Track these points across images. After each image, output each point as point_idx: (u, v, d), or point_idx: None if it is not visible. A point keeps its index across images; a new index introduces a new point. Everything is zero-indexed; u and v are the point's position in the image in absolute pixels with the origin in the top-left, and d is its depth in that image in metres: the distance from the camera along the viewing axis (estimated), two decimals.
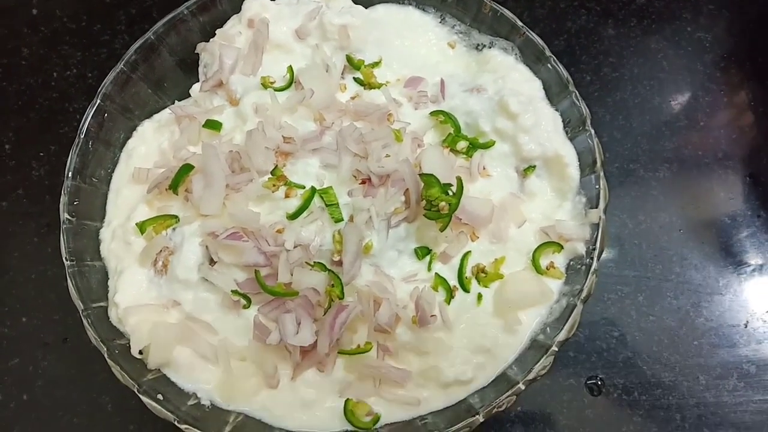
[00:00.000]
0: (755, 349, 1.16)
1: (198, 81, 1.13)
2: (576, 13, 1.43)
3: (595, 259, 0.95)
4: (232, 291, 0.91)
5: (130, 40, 1.37)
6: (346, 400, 0.92)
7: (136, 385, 0.87)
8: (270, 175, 0.93)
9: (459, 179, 0.92)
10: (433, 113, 1.05)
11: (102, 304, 0.97)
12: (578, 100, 1.03)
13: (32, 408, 1.11)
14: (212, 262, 0.93)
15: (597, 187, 0.98)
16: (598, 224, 0.97)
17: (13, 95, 1.36)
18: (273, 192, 0.93)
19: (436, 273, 0.97)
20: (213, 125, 1.02)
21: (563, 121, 1.06)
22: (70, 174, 1.00)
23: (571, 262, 1.01)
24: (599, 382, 1.13)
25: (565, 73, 1.05)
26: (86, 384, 1.12)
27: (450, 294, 0.96)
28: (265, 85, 1.05)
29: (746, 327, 1.17)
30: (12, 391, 1.13)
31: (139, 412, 1.06)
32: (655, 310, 1.17)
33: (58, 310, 1.17)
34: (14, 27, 1.42)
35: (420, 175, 0.91)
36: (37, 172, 1.29)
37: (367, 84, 1.08)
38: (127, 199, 1.04)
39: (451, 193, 0.92)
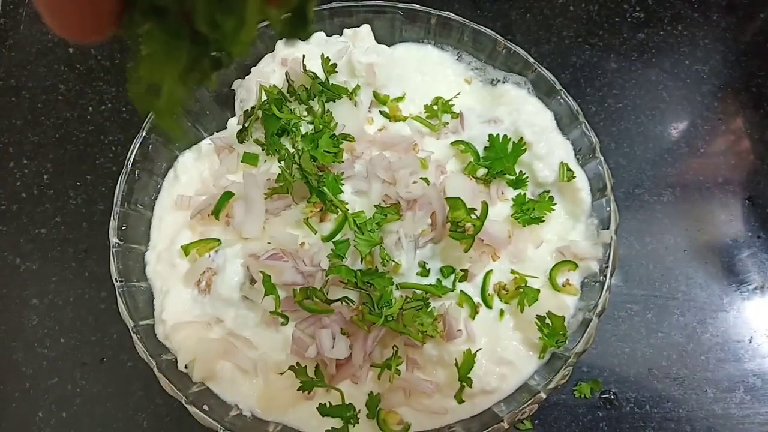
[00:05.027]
0: (760, 364, 1.21)
1: (233, 114, 1.21)
2: (580, 48, 1.51)
3: (608, 276, 1.02)
4: (270, 312, 0.97)
5: None
6: (378, 410, 0.97)
7: (183, 397, 0.93)
8: (307, 203, 1.00)
9: (484, 203, 0.99)
10: (453, 143, 1.13)
11: (149, 321, 1.03)
12: (587, 130, 1.11)
13: (71, 425, 1.16)
14: (253, 281, 0.99)
15: (608, 210, 1.05)
16: (609, 244, 1.04)
17: (51, 129, 1.43)
18: (309, 218, 1.00)
19: (461, 290, 1.03)
20: (251, 159, 1.09)
21: (574, 149, 1.14)
22: (119, 201, 1.06)
23: (586, 280, 1.08)
24: (612, 396, 1.18)
25: (575, 105, 1.13)
26: (123, 402, 1.17)
27: (474, 310, 1.02)
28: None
29: (750, 342, 1.23)
30: (52, 408, 1.17)
31: (174, 430, 1.12)
32: (664, 326, 1.23)
33: (96, 331, 1.22)
34: (52, 65, 1.50)
35: (446, 198, 0.99)
36: (74, 200, 1.35)
37: (392, 117, 1.16)
38: (170, 224, 1.11)
39: (475, 216, 0.99)
